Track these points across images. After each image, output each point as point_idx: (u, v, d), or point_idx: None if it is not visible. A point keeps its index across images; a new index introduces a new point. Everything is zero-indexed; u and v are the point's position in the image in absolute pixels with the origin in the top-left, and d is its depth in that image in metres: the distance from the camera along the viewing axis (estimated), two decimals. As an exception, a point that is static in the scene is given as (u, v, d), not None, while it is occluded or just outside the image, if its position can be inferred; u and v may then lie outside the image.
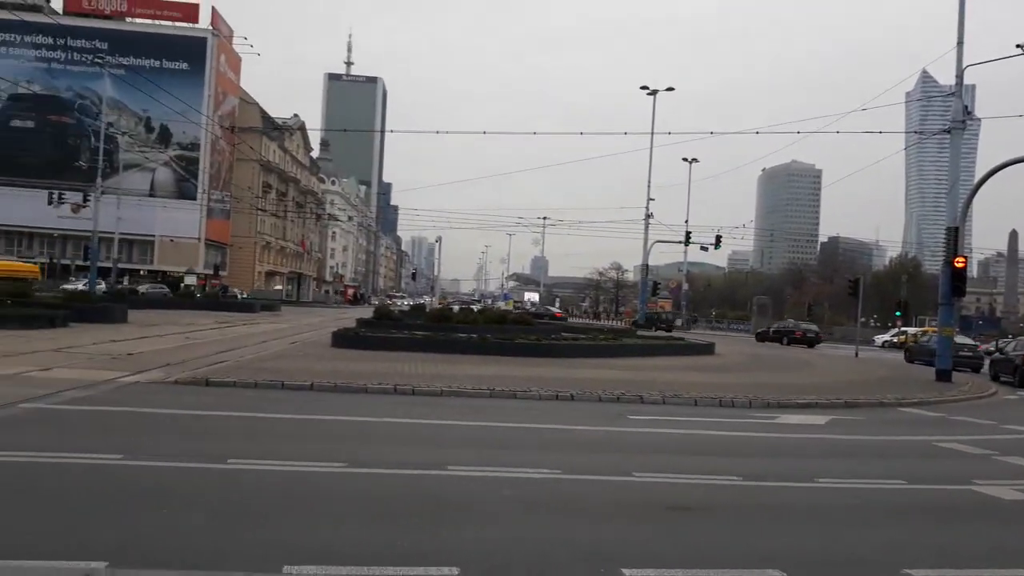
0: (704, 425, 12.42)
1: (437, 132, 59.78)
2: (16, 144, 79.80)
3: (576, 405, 14.05)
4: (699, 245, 58.55)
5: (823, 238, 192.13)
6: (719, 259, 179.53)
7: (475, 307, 59.32)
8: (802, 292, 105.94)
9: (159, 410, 11.07)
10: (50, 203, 54.71)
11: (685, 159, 64.40)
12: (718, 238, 57.46)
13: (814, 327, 53.66)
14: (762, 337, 53.31)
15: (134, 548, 5.15)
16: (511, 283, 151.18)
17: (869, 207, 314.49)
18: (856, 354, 38.05)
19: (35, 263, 73.67)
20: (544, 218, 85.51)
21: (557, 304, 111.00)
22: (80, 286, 48.41)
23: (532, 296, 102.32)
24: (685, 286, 76.24)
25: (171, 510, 6.12)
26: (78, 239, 72.81)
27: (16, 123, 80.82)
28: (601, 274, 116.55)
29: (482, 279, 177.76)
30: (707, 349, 31.13)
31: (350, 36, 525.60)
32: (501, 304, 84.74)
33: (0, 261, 64.71)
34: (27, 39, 78.63)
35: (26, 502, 6.18)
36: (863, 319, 45.48)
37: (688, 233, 56.89)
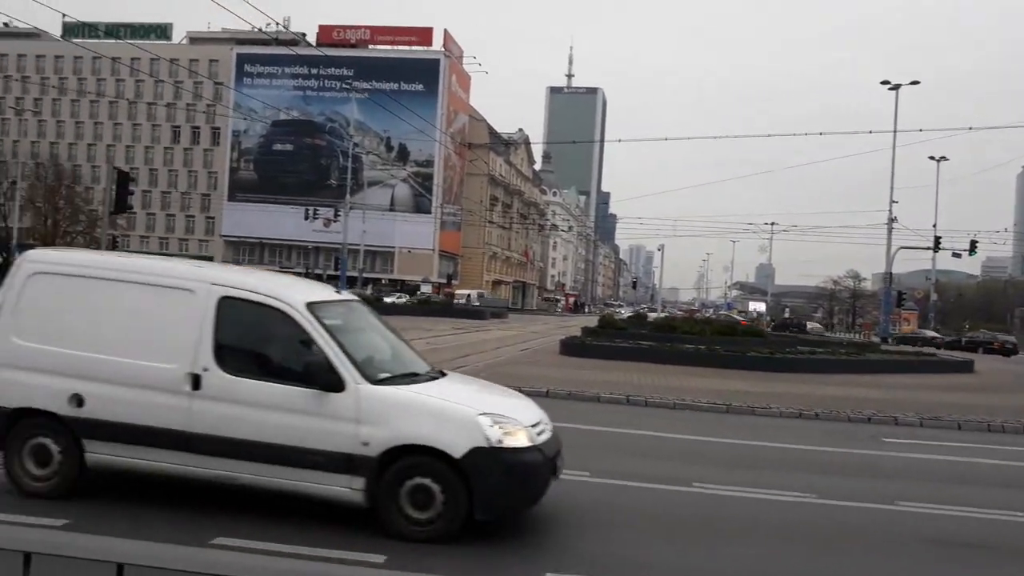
0: (971, 452, 11.31)
1: (665, 139, 59.99)
2: (278, 166, 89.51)
3: (822, 424, 13.30)
4: (950, 251, 53.33)
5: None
6: (972, 266, 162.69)
7: (700, 316, 58.02)
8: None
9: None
10: (306, 218, 60.77)
11: (932, 157, 59.10)
12: (973, 243, 51.82)
13: (1012, 338, 56.13)
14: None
15: (403, 551, 5.54)
16: (734, 292, 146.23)
17: None
18: None
19: (296, 273, 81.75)
20: (772, 223, 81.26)
21: (786, 314, 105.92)
22: None
23: (758, 306, 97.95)
24: (933, 296, 69.76)
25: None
26: (329, 251, 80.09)
27: (278, 147, 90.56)
28: (836, 283, 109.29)
29: (703, 288, 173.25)
30: (964, 366, 28.32)
31: (571, 49, 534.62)
32: (723, 313, 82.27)
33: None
34: (287, 70, 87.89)
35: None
36: None
37: (938, 238, 51.89)
